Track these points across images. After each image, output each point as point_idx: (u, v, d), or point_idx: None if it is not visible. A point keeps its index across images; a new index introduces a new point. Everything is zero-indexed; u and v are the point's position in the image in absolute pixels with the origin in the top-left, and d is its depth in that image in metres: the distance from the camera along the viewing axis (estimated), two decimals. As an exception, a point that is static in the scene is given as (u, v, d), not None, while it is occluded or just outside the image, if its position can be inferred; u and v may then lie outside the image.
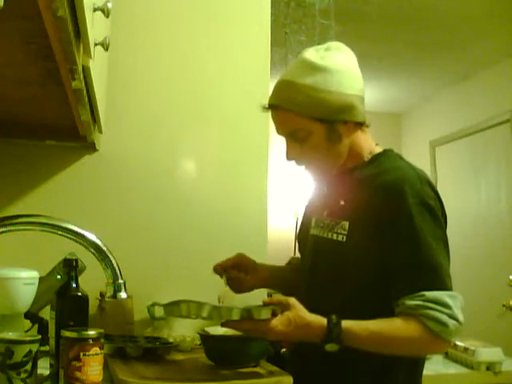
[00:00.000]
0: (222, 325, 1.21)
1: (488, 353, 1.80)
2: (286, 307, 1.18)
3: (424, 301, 1.17)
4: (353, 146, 1.35)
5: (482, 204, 4.11)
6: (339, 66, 1.30)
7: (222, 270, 1.48)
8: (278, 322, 1.17)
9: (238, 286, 1.50)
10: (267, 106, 1.35)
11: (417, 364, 1.33)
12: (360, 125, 1.35)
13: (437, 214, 1.25)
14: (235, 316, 1.17)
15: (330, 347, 1.16)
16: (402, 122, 5.34)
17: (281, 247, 4.48)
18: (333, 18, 2.81)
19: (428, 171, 4.66)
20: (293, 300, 1.20)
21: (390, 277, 1.23)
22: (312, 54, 1.32)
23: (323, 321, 1.17)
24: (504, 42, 3.59)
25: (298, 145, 1.32)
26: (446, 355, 1.96)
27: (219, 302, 1.48)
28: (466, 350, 1.84)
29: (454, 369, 1.84)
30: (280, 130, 1.36)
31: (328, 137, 1.30)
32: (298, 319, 1.17)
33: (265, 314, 1.17)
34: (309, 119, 1.28)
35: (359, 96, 1.32)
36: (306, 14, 2.84)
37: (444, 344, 1.20)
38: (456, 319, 1.17)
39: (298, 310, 1.18)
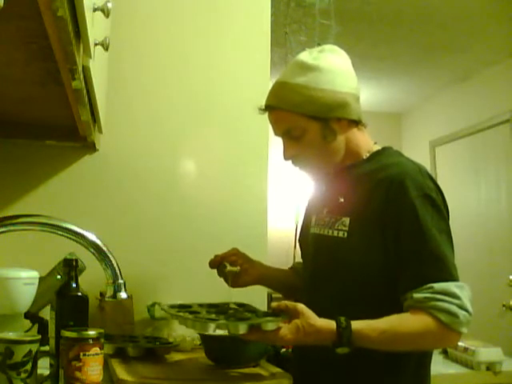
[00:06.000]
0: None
1: (488, 353, 1.80)
2: (294, 314, 1.16)
3: (432, 293, 1.16)
4: (349, 144, 1.36)
5: (481, 204, 4.11)
6: (331, 65, 1.33)
7: (216, 263, 1.48)
8: (287, 331, 1.14)
9: (232, 281, 1.49)
10: (263, 107, 1.37)
11: (421, 366, 1.31)
12: (355, 123, 1.36)
13: (439, 206, 1.25)
14: (242, 331, 1.14)
15: (341, 350, 1.14)
16: (402, 122, 5.34)
17: (281, 247, 4.48)
18: (333, 18, 2.81)
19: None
20: (301, 306, 1.17)
21: (396, 271, 1.23)
22: (305, 55, 1.36)
23: (333, 325, 1.14)
24: (504, 42, 3.58)
25: (295, 143, 1.34)
26: (446, 355, 1.96)
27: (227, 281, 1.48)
28: (466, 350, 1.84)
29: (453, 369, 1.84)
30: (276, 130, 1.37)
31: (323, 134, 1.32)
32: (307, 326, 1.14)
33: (272, 326, 1.14)
34: (303, 117, 1.30)
35: (353, 94, 1.34)
36: (306, 14, 2.84)
37: (455, 336, 1.18)
38: (466, 309, 1.16)
39: (307, 318, 1.15)
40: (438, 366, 1.84)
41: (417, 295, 1.17)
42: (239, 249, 1.52)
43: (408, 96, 4.84)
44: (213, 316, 1.24)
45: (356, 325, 1.15)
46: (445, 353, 1.98)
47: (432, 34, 3.46)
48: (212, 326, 1.14)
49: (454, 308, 1.15)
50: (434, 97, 4.78)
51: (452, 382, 1.80)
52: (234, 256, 1.49)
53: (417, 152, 4.89)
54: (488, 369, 1.79)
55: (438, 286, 1.17)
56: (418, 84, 4.50)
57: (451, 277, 1.19)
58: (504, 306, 3.58)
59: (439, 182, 1.30)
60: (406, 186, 1.24)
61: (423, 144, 4.89)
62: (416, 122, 5.15)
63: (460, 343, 1.88)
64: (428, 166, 4.68)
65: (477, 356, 1.78)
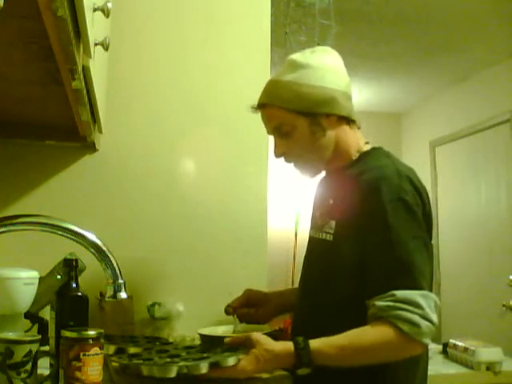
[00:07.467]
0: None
1: (488, 353, 1.79)
2: (250, 345, 1.17)
3: (394, 301, 1.14)
4: (339, 142, 1.36)
5: (481, 204, 4.11)
6: (321, 63, 1.34)
7: (233, 310, 1.49)
8: (246, 363, 1.15)
9: (252, 322, 1.50)
10: (255, 106, 1.38)
11: (416, 364, 1.29)
12: (345, 120, 1.35)
13: (415, 211, 1.23)
14: (203, 370, 1.12)
15: (302, 372, 1.15)
16: (402, 122, 5.34)
17: (281, 247, 4.48)
18: (333, 18, 2.81)
19: (428, 171, 4.66)
20: (255, 335, 1.19)
21: (365, 276, 1.22)
22: (297, 55, 1.37)
23: (290, 347, 1.15)
24: (504, 42, 3.58)
25: (284, 140, 1.35)
26: (446, 355, 1.96)
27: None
28: (466, 350, 1.84)
29: (454, 369, 1.83)
30: (267, 128, 1.39)
31: (311, 130, 1.32)
32: (266, 353, 1.15)
33: (232, 361, 1.14)
34: (292, 113, 1.31)
35: (342, 91, 1.34)
36: (306, 14, 2.84)
37: (417, 346, 1.17)
38: (429, 319, 1.14)
39: (263, 344, 1.16)
40: (438, 365, 1.84)
41: (379, 303, 1.16)
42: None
43: (408, 96, 4.83)
44: (167, 360, 1.20)
45: (314, 343, 1.14)
46: (445, 353, 1.97)
47: (432, 33, 3.46)
48: (173, 368, 1.11)
49: (416, 318, 1.13)
50: (434, 97, 4.78)
51: (452, 382, 1.79)
52: (243, 301, 1.50)
53: (417, 152, 4.89)
54: (488, 369, 1.79)
55: (400, 294, 1.15)
56: (417, 84, 4.50)
57: (416, 285, 1.16)
58: (504, 305, 3.58)
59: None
60: (379, 190, 1.22)
61: (423, 144, 4.89)
62: (416, 121, 5.15)
63: (460, 343, 1.88)
64: (428, 166, 4.67)
65: (477, 356, 1.78)
